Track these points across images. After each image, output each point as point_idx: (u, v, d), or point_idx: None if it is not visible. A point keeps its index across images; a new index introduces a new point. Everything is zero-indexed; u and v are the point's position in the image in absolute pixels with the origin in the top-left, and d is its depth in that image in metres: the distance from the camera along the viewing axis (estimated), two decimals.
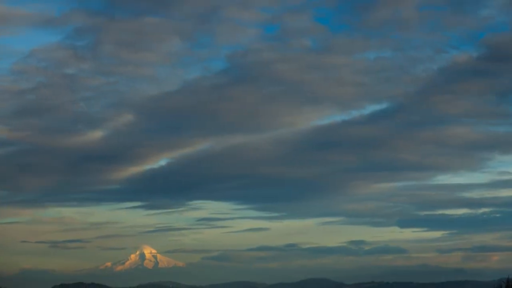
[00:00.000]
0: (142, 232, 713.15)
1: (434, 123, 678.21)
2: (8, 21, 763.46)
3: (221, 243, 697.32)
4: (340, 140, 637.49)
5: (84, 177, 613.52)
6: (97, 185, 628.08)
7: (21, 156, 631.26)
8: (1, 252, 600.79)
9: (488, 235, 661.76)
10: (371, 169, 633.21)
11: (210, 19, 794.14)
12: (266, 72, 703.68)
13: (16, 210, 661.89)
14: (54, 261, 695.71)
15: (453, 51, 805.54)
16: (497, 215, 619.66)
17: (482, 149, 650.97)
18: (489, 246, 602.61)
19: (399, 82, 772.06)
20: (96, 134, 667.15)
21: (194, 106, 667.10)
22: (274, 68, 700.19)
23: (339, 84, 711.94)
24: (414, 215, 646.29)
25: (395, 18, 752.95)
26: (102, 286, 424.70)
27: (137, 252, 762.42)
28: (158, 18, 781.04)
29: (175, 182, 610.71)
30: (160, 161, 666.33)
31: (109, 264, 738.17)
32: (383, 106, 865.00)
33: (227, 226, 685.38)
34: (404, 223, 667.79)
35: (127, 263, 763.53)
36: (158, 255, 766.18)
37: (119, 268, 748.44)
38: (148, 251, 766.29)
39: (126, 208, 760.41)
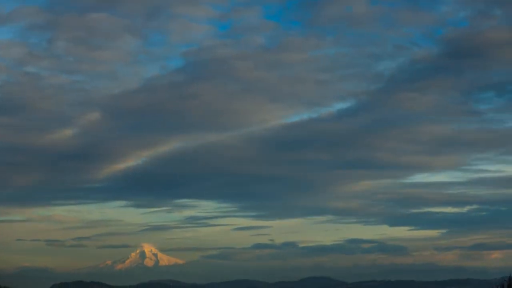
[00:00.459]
0: (141, 230, 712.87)
1: (402, 121, 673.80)
2: None
3: (219, 242, 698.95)
4: (312, 138, 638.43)
5: (67, 175, 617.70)
6: (82, 183, 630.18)
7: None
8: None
9: (484, 233, 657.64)
10: (347, 167, 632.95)
11: (159, 16, 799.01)
12: (225, 70, 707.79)
13: (5, 208, 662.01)
14: (53, 259, 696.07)
15: (413, 47, 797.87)
16: (483, 213, 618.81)
17: (455, 147, 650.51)
18: (487, 244, 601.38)
19: (361, 79, 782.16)
20: (67, 133, 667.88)
21: (159, 104, 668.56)
22: (232, 65, 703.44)
23: (301, 81, 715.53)
24: (401, 213, 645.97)
25: (347, 14, 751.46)
26: (102, 284, 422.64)
27: (138, 251, 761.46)
28: (104, 14, 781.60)
29: (158, 180, 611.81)
30: (139, 160, 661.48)
31: (109, 262, 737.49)
32: (348, 104, 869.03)
33: (222, 225, 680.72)
34: (394, 222, 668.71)
35: (128, 261, 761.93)
36: (159, 253, 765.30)
37: (120, 266, 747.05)
38: (148, 249, 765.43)
39: (119, 206, 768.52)
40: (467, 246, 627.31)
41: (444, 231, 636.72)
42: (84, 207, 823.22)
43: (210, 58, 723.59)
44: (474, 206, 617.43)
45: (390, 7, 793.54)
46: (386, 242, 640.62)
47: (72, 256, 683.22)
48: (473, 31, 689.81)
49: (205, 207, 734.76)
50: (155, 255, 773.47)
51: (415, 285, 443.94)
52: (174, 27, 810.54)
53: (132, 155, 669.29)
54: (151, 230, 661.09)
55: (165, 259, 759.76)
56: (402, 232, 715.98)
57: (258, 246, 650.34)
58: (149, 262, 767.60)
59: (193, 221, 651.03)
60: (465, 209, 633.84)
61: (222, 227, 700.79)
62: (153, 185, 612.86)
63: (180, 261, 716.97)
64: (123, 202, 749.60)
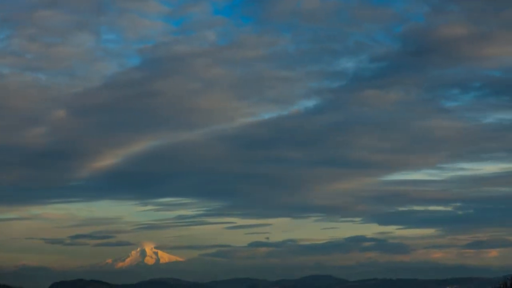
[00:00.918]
0: (137, 228, 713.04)
1: (371, 119, 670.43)
2: None
3: (215, 240, 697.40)
4: (284, 136, 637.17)
5: (49, 174, 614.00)
6: (66, 181, 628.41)
7: None
8: None
9: (478, 231, 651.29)
10: (324, 165, 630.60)
11: (108, 11, 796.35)
12: (183, 67, 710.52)
13: None
14: (53, 258, 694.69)
15: (373, 44, 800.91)
16: (470, 211, 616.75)
17: (428, 144, 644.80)
18: (484, 242, 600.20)
19: (323, 76, 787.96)
20: (38, 131, 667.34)
21: (123, 102, 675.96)
22: (190, 63, 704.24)
23: (263, 79, 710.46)
24: (387, 212, 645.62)
25: (298, 10, 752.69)
26: (102, 283, 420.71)
27: (138, 249, 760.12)
28: (52, 11, 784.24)
29: (140, 179, 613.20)
30: (116, 158, 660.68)
31: (109, 261, 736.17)
32: (314, 101, 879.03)
33: (216, 223, 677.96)
34: (383, 220, 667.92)
35: (128, 260, 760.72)
36: (159, 252, 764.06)
37: (120, 265, 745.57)
38: (149, 248, 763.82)
39: (108, 205, 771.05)
40: (463, 244, 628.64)
41: (438, 229, 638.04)
42: (72, 205, 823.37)
43: (167, 55, 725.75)
44: (458, 204, 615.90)
45: (344, 3, 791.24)
46: (385, 241, 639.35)
47: (72, 254, 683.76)
48: (431, 27, 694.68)
49: (193, 205, 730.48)
50: (156, 253, 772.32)
51: (416, 284, 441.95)
52: (127, 24, 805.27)
53: (108, 153, 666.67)
54: (148, 229, 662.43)
55: (165, 258, 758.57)
56: (393, 230, 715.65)
57: (254, 244, 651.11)
58: (149, 261, 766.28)
59: (184, 219, 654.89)
60: (450, 207, 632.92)
61: (216, 225, 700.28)
62: (135, 183, 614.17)
63: (180, 260, 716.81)
64: (110, 201, 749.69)
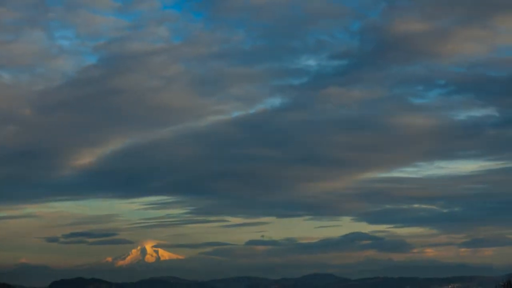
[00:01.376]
0: (138, 226, 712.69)
1: (340, 116, 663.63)
2: None
3: (212, 238, 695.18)
4: (256, 134, 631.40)
5: (30, 172, 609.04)
6: (49, 180, 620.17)
7: None
8: None
9: (471, 230, 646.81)
10: (301, 164, 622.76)
11: (56, 7, 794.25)
12: (141, 65, 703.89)
13: None
14: (53, 256, 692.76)
15: (331, 41, 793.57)
16: (456, 209, 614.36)
17: (402, 142, 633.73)
18: (483, 240, 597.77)
19: (285, 74, 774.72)
20: (10, 129, 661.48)
21: (88, 100, 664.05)
22: (148, 60, 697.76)
23: (223, 76, 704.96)
24: (374, 210, 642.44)
25: (248, 6, 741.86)
26: (102, 281, 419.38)
27: (138, 247, 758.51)
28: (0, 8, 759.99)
29: (122, 177, 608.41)
30: (94, 157, 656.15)
31: (109, 259, 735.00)
32: (279, 99, 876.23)
33: (213, 221, 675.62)
34: (372, 219, 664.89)
35: (128, 258, 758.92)
36: (160, 250, 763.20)
37: (120, 263, 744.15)
38: (149, 246, 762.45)
39: (99, 203, 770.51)
40: (459, 243, 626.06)
41: (431, 227, 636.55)
42: (62, 203, 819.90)
43: (123, 52, 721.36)
44: (442, 202, 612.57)
45: None
46: (374, 238, 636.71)
47: (70, 253, 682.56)
48: (388, 23, 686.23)
49: (181, 203, 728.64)
50: (156, 251, 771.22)
51: (418, 282, 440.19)
52: (77, 20, 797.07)
53: (85, 152, 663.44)
54: (147, 227, 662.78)
55: (166, 256, 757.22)
56: (387, 229, 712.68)
57: (251, 243, 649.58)
58: (150, 259, 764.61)
59: (176, 218, 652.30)
60: (434, 205, 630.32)
61: (209, 224, 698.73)
62: (120, 181, 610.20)
63: (181, 258, 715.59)
64: (99, 199, 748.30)
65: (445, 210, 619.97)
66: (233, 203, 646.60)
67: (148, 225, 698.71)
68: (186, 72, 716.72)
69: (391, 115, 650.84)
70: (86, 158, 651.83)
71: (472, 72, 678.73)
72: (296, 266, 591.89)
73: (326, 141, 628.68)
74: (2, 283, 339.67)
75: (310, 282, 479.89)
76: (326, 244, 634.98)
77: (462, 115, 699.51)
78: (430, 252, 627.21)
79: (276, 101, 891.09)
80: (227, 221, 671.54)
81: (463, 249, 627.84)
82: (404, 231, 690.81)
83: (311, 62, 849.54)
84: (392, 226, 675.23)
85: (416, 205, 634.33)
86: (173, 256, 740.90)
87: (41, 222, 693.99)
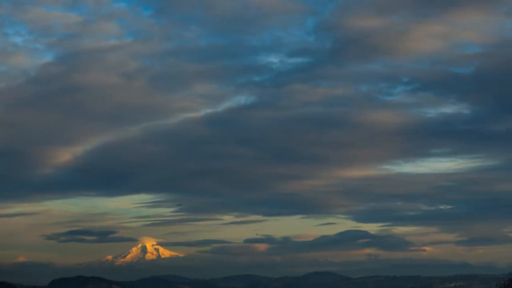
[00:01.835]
0: (138, 225, 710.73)
1: (307, 114, 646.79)
2: None
3: (210, 236, 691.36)
4: (227, 132, 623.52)
5: (10, 171, 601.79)
6: (30, 178, 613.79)
7: None
8: None
9: (472, 227, 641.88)
10: (279, 162, 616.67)
11: (6, 3, 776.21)
12: (100, 61, 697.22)
13: None
14: (51, 254, 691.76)
15: (288, 38, 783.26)
16: (449, 206, 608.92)
17: (374, 140, 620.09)
18: (481, 239, 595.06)
19: (247, 70, 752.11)
20: None
21: (51, 98, 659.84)
22: (106, 57, 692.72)
23: (185, 73, 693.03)
24: (362, 208, 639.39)
25: (198, 0, 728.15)
26: (102, 279, 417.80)
27: (139, 245, 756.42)
28: None
29: (104, 175, 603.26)
30: (74, 154, 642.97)
31: (110, 257, 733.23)
32: (244, 97, 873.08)
33: (210, 219, 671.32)
34: (364, 217, 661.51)
35: (128, 256, 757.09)
36: (160, 249, 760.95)
37: (120, 261, 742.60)
38: (150, 244, 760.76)
39: (89, 201, 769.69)
40: (456, 241, 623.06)
41: (427, 226, 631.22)
42: (50, 202, 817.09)
43: (78, 49, 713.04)
44: (427, 200, 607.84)
45: None
46: (374, 236, 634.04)
47: (71, 251, 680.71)
48: (345, 20, 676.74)
49: (170, 202, 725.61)
50: (157, 249, 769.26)
51: (420, 281, 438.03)
52: (29, 16, 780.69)
53: (59, 150, 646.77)
54: (146, 226, 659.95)
55: (166, 254, 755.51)
56: (379, 227, 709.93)
57: (249, 241, 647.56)
58: (150, 258, 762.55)
59: (169, 216, 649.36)
60: (421, 203, 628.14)
61: (204, 222, 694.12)
62: (102, 179, 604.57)
63: (181, 256, 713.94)
64: (86, 197, 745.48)
65: (432, 208, 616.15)
66: (220, 202, 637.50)
67: (145, 224, 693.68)
68: (146, 69, 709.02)
69: (361, 112, 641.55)
70: (62, 156, 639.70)
71: (435, 69, 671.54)
72: (296, 264, 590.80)
73: (298, 139, 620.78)
74: (2, 282, 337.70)
75: (311, 280, 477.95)
76: (323, 242, 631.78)
77: (433, 112, 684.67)
78: (430, 251, 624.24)
79: (242, 98, 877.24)
80: (221, 219, 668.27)
81: (459, 247, 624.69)
82: (400, 229, 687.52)
83: (272, 59, 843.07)
84: (386, 224, 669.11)
85: (399, 203, 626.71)
86: (173, 254, 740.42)
87: (34, 220, 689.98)
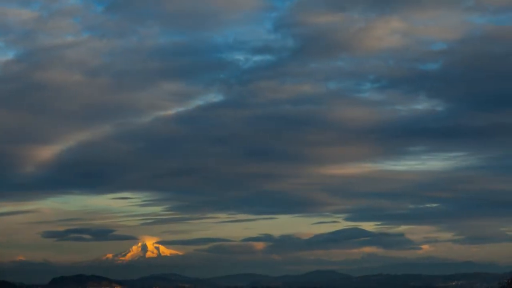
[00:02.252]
0: (137, 223, 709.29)
1: (279, 111, 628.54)
2: None
3: (209, 234, 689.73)
4: (201, 131, 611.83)
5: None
6: (14, 178, 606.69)
7: None
8: None
9: (469, 225, 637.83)
10: (259, 160, 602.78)
11: None
12: (61, 59, 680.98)
13: None
14: (50, 253, 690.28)
15: (249, 35, 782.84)
16: (434, 204, 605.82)
17: (351, 137, 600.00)
18: (480, 237, 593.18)
19: (213, 68, 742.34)
20: None
21: (18, 97, 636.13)
22: (66, 54, 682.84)
23: (150, 71, 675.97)
24: (350, 207, 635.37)
25: None
26: (102, 278, 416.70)
27: (139, 244, 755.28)
28: None
29: (86, 174, 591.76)
30: (49, 154, 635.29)
31: (110, 256, 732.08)
32: (214, 94, 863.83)
33: (208, 218, 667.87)
34: (355, 216, 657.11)
35: (129, 255, 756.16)
36: (161, 247, 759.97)
37: (121, 259, 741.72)
38: (150, 243, 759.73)
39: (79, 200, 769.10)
40: (454, 240, 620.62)
41: (423, 224, 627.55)
42: (41, 201, 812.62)
43: (37, 47, 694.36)
44: (415, 198, 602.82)
45: None
46: (373, 234, 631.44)
47: (70, 249, 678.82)
48: (304, 17, 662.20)
49: (162, 201, 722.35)
50: (157, 248, 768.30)
51: (421, 279, 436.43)
52: None
53: (35, 149, 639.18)
54: (146, 224, 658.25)
55: (167, 253, 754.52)
56: (370, 226, 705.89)
57: (248, 239, 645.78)
58: (151, 256, 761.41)
59: (162, 215, 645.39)
60: (409, 202, 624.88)
61: (199, 220, 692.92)
62: (85, 178, 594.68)
63: (181, 255, 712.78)
64: (77, 196, 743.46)
65: (421, 206, 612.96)
66: (208, 201, 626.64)
67: (142, 222, 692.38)
68: (108, 67, 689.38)
69: (332, 110, 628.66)
70: (42, 155, 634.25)
71: (401, 66, 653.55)
72: (296, 263, 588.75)
73: (273, 137, 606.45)
74: (2, 281, 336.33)
75: (312, 279, 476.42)
76: (320, 241, 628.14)
77: (405, 110, 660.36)
78: (428, 249, 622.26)
79: (210, 96, 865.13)
80: (214, 217, 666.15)
81: (456, 246, 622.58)
82: (395, 228, 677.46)
83: (236, 56, 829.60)
84: (381, 222, 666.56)
85: (389, 201, 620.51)
86: (174, 252, 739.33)
87: (28, 219, 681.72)
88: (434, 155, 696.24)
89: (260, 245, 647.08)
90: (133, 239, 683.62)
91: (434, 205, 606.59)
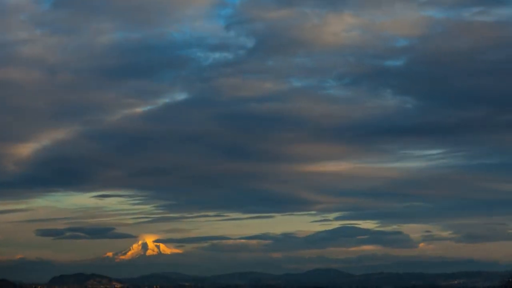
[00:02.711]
0: (134, 222, 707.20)
1: (247, 109, 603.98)
2: None
3: (208, 233, 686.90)
4: (175, 130, 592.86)
5: None
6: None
7: None
8: None
9: (467, 223, 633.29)
10: (234, 159, 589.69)
11: None
12: (28, 56, 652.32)
13: None
14: (50, 251, 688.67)
15: (204, 31, 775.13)
16: (428, 204, 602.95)
17: (327, 134, 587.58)
18: (478, 235, 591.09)
19: (175, 66, 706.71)
20: None
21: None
22: (19, 51, 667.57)
23: (111, 69, 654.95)
24: (345, 205, 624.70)
25: None
26: (103, 277, 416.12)
27: (140, 242, 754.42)
28: None
29: (71, 172, 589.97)
30: (28, 152, 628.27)
31: (110, 254, 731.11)
32: (180, 92, 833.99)
33: (207, 216, 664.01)
34: (352, 215, 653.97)
35: (129, 253, 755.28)
36: (161, 245, 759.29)
37: (121, 258, 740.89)
38: (151, 241, 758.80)
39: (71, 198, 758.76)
40: (453, 238, 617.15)
41: (420, 224, 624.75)
42: (33, 200, 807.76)
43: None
44: (409, 197, 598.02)
45: None
46: (371, 233, 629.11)
47: (70, 248, 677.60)
48: (255, 11, 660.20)
49: (149, 199, 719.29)
50: (158, 246, 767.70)
51: (423, 278, 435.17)
52: None
53: (14, 148, 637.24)
54: (145, 222, 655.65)
55: (167, 251, 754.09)
56: (368, 224, 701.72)
57: (246, 237, 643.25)
58: (151, 254, 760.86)
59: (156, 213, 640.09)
60: (398, 200, 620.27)
61: (197, 219, 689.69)
62: (70, 176, 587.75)
63: (181, 254, 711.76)
64: (64, 194, 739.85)
65: (404, 206, 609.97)
66: (195, 200, 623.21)
67: (141, 221, 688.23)
68: (65, 64, 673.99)
69: (300, 107, 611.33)
70: (18, 153, 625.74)
71: (363, 62, 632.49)
72: (297, 261, 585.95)
73: (244, 135, 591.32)
74: (2, 279, 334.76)
75: (314, 277, 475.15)
76: (320, 239, 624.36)
77: (374, 107, 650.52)
78: (428, 247, 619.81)
79: (175, 95, 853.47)
80: (206, 216, 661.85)
81: (454, 244, 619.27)
82: (393, 226, 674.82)
83: (196, 53, 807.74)
84: (378, 221, 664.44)
85: (373, 199, 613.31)
86: (174, 251, 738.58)
87: (21, 217, 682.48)
88: (410, 152, 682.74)
89: (260, 243, 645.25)
90: (132, 237, 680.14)
91: (423, 203, 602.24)
